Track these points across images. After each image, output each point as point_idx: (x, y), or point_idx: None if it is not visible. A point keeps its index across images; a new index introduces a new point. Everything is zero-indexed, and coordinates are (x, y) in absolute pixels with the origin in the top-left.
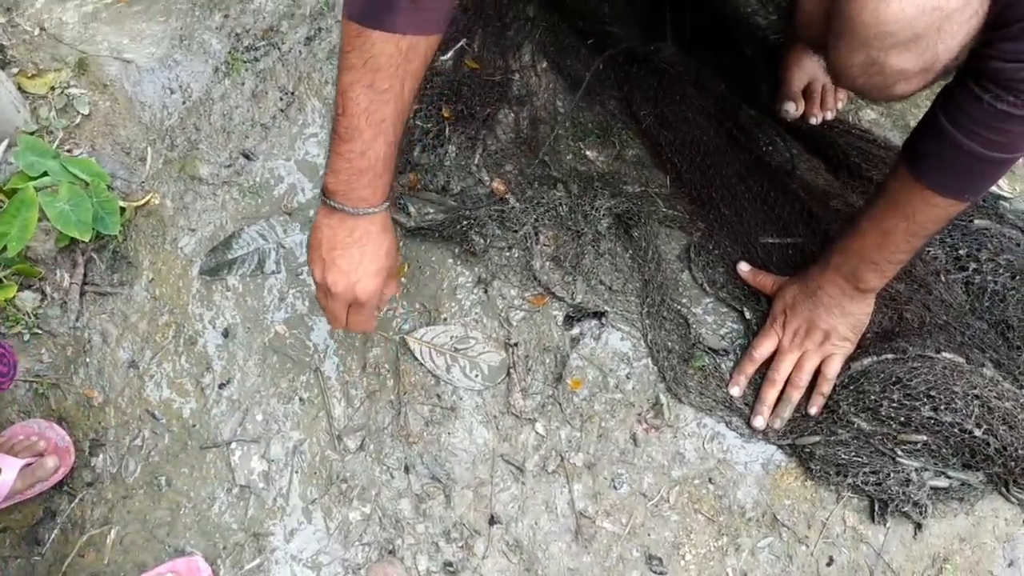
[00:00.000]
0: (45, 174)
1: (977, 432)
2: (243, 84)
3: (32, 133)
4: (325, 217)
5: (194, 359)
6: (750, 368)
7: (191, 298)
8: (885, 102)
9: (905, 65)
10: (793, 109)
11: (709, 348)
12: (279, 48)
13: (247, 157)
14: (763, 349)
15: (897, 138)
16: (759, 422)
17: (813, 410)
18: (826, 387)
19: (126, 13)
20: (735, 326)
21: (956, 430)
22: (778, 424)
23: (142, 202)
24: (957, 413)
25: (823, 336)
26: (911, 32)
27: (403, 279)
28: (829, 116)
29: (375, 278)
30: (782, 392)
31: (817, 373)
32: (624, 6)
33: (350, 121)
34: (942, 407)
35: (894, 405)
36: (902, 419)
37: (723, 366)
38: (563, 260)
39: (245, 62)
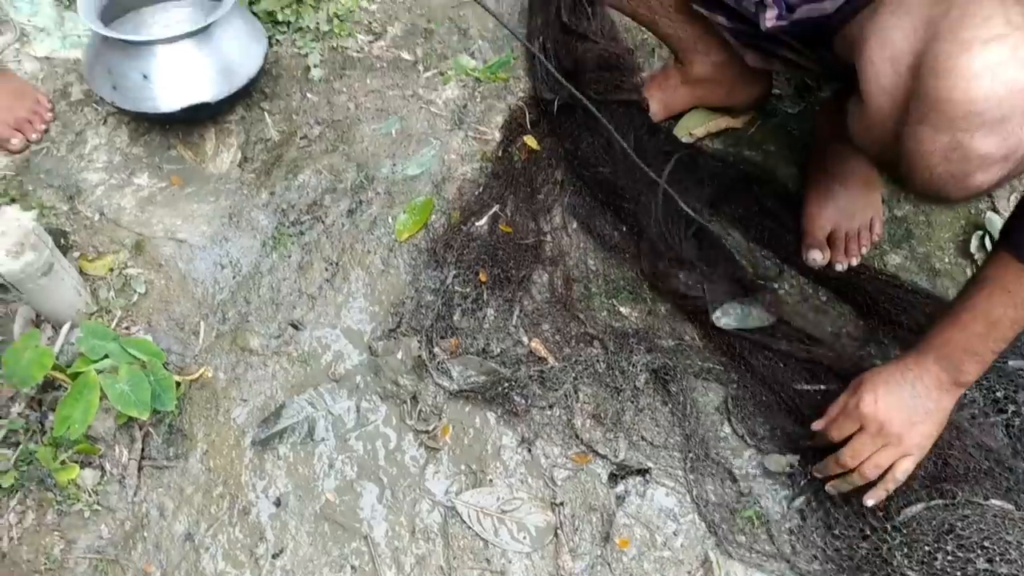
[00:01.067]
0: (106, 356)
1: None
2: (290, 257)
3: (92, 314)
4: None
5: (248, 529)
6: (835, 468)
7: (244, 468)
8: (955, 202)
9: (989, 149)
10: (819, 257)
11: (756, 499)
12: (323, 221)
13: (295, 327)
14: (843, 431)
15: (924, 282)
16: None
17: (870, 502)
18: (891, 485)
19: (179, 196)
20: (780, 475)
21: None
22: (832, 491)
23: (196, 376)
24: (1013, 564)
25: (904, 433)
26: (999, 113)
27: (447, 440)
28: (854, 262)
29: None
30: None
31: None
32: (639, 178)
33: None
34: (997, 558)
35: (949, 557)
36: (958, 572)
37: (771, 516)
38: (604, 417)
39: (291, 236)
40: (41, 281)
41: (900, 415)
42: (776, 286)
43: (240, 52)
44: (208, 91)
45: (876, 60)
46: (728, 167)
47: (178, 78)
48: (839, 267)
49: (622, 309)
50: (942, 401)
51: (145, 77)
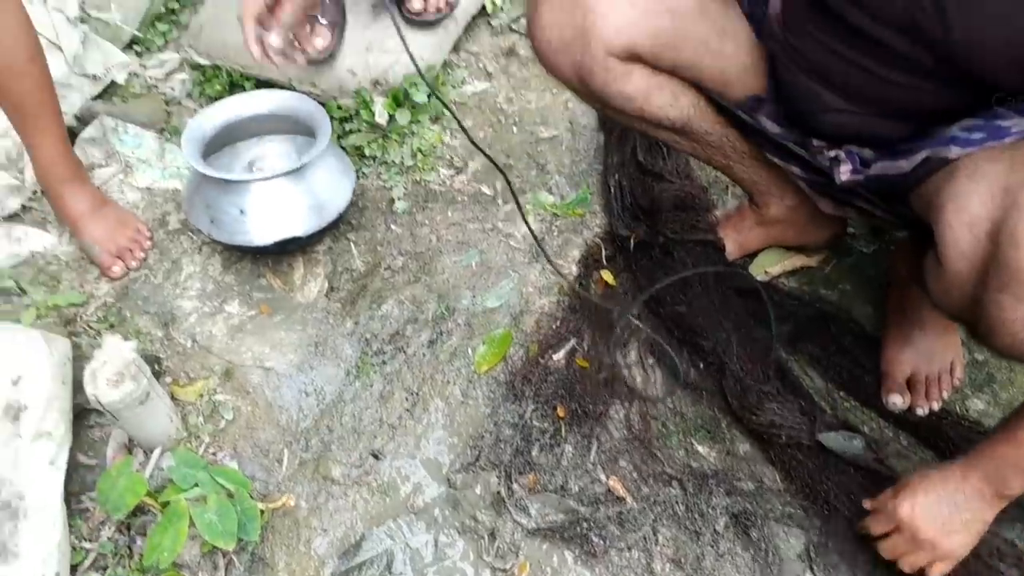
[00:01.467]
0: (196, 485)
1: None
2: (372, 386)
3: (181, 440)
4: None
5: None
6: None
7: None
8: None
9: None
10: (900, 401)
11: None
12: (404, 351)
13: (376, 457)
14: (877, 529)
15: None
16: None
17: None
18: None
19: (267, 324)
20: None
21: None
22: None
23: (279, 504)
24: None
25: (937, 541)
26: None
27: None
28: (936, 406)
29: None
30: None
31: None
32: (720, 314)
33: None
34: None
35: None
36: None
37: None
38: (683, 562)
39: (374, 365)
40: (138, 409)
41: (935, 524)
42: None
43: (331, 187)
44: (300, 226)
45: (954, 225)
46: (804, 306)
47: (272, 213)
48: (920, 411)
49: (700, 448)
50: (983, 512)
51: (242, 212)
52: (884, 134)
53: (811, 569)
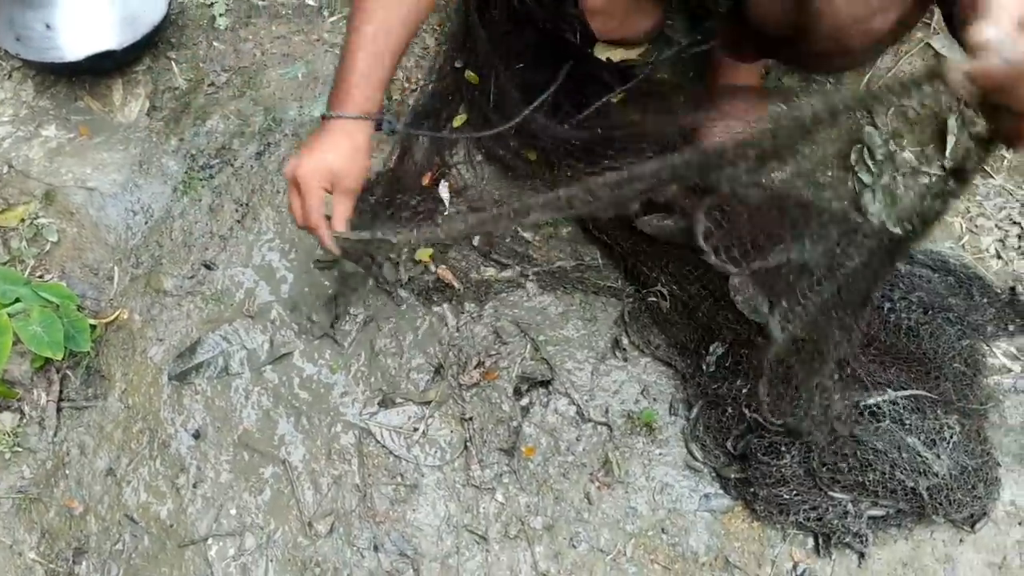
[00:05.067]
0: (17, 300)
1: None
2: (200, 200)
3: (4, 263)
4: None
5: (168, 462)
6: None
7: (163, 404)
8: (856, 56)
9: None
10: None
11: (652, 401)
12: (232, 164)
13: (208, 267)
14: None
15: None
16: None
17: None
18: None
19: (88, 145)
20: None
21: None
22: None
23: (111, 318)
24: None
25: None
26: None
27: (360, 368)
28: None
29: (316, 164)
30: None
31: None
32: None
33: (349, 35)
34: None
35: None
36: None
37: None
38: (507, 334)
39: (201, 180)
40: None
41: None
42: None
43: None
44: (114, 38)
45: None
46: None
47: (83, 26)
48: None
49: (525, 235)
50: None
51: (48, 27)
52: None
53: (626, 333)
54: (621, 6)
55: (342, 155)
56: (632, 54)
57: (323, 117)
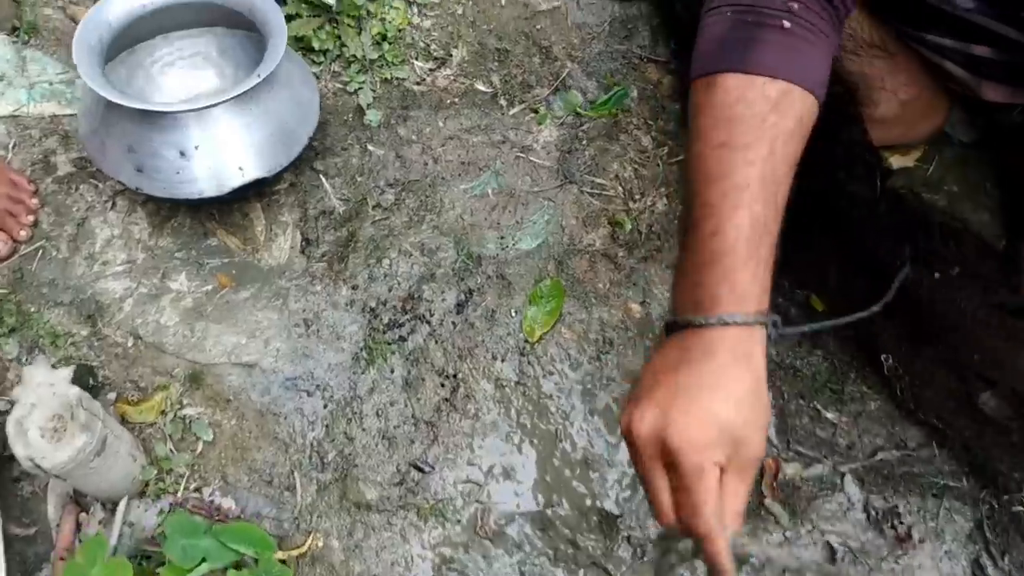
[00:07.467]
0: (203, 560)
1: None
2: (393, 372)
3: (148, 481)
4: (661, 348)
5: None
6: None
7: None
8: None
9: None
10: None
11: None
12: (427, 321)
13: (419, 469)
14: None
15: None
16: None
17: None
18: None
19: (234, 302)
20: None
21: None
22: None
23: (303, 549)
24: None
25: None
26: None
27: None
28: None
29: (702, 425)
30: None
31: None
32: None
33: (700, 197)
34: None
35: None
36: None
37: None
38: None
39: (389, 343)
40: (94, 463)
41: None
42: None
43: (296, 105)
44: (264, 164)
45: None
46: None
47: (226, 152)
48: None
49: (828, 414)
50: None
51: (182, 154)
52: None
53: (987, 552)
54: (916, 111)
55: (742, 400)
56: (908, 161)
57: (672, 326)
